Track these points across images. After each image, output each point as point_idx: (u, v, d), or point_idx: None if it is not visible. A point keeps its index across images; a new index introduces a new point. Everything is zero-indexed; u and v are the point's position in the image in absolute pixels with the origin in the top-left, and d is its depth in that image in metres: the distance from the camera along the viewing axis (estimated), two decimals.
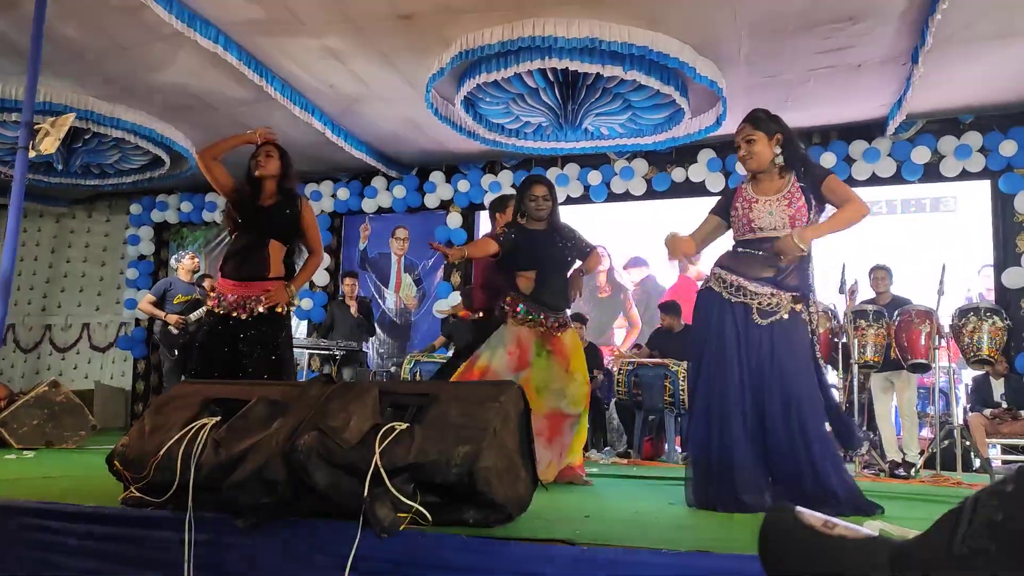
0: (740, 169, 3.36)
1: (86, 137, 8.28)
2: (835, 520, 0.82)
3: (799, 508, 0.82)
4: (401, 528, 2.11)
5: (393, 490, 2.13)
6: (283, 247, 4.06)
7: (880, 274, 6.49)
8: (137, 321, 10.94)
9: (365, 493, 2.13)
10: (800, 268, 3.14)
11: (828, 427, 3.13)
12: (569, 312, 4.35)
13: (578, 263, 4.38)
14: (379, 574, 2.08)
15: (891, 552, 0.68)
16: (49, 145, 4.78)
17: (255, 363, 3.80)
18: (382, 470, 2.14)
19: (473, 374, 3.98)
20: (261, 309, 3.84)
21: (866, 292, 6.50)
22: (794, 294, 3.11)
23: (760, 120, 3.23)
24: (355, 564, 2.08)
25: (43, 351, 11.58)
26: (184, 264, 7.57)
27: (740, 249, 3.21)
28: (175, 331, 7.14)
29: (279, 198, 4.07)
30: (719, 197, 3.48)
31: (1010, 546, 0.68)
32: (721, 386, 3.07)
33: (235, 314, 3.84)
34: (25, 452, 5.41)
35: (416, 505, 2.14)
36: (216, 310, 3.90)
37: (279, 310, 3.93)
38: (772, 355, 3.03)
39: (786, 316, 3.08)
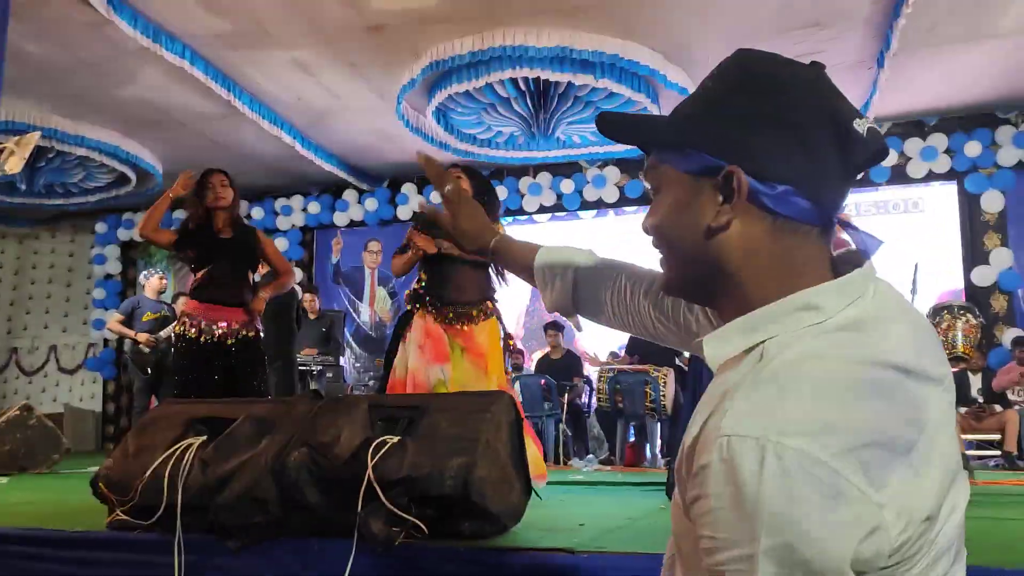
0: None
1: (50, 156, 8.13)
2: None
3: None
4: (396, 543, 2.08)
5: (388, 504, 2.10)
6: (251, 276, 4.24)
7: None
8: (105, 342, 10.73)
9: (359, 508, 2.10)
10: None
11: None
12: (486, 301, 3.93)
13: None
14: None
15: None
16: (14, 165, 4.67)
17: (248, 385, 3.80)
18: (375, 484, 2.11)
19: (396, 380, 3.73)
20: (248, 334, 3.88)
21: None
22: None
23: None
24: None
25: (9, 375, 11.32)
26: (151, 283, 7.45)
27: None
28: (146, 350, 7.02)
29: (235, 230, 4.15)
30: None
31: None
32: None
33: (219, 338, 3.84)
34: None
35: (411, 519, 2.11)
36: (191, 334, 3.87)
37: (261, 333, 4.00)
38: None
39: None
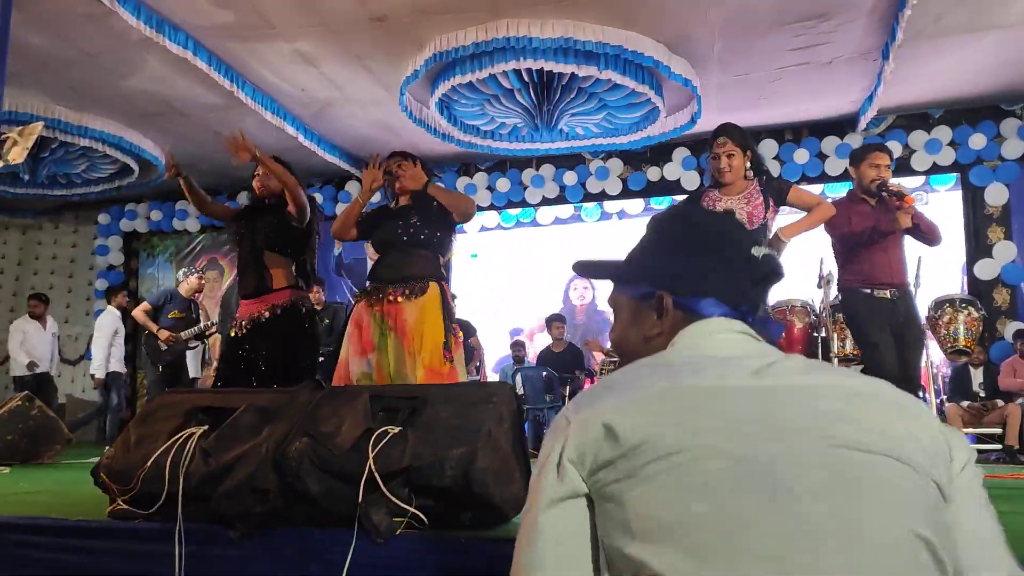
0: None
1: (53, 147, 8.14)
2: None
3: None
4: (397, 533, 2.08)
5: (388, 495, 2.10)
6: (283, 258, 3.93)
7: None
8: None
9: (359, 499, 2.10)
10: None
11: None
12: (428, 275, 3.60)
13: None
14: None
15: None
16: (17, 155, 4.68)
17: (270, 376, 3.73)
18: (376, 475, 2.11)
19: (338, 371, 3.59)
20: (266, 315, 3.79)
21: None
22: None
23: (739, 137, 3.63)
24: (351, 571, 2.04)
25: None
26: (190, 282, 7.38)
27: None
28: (164, 347, 7.02)
29: (274, 214, 3.97)
30: (689, 195, 3.88)
31: None
32: None
33: (247, 331, 3.78)
34: (0, 468, 5.29)
35: (412, 509, 2.11)
36: (234, 334, 3.84)
37: (283, 312, 3.83)
38: None
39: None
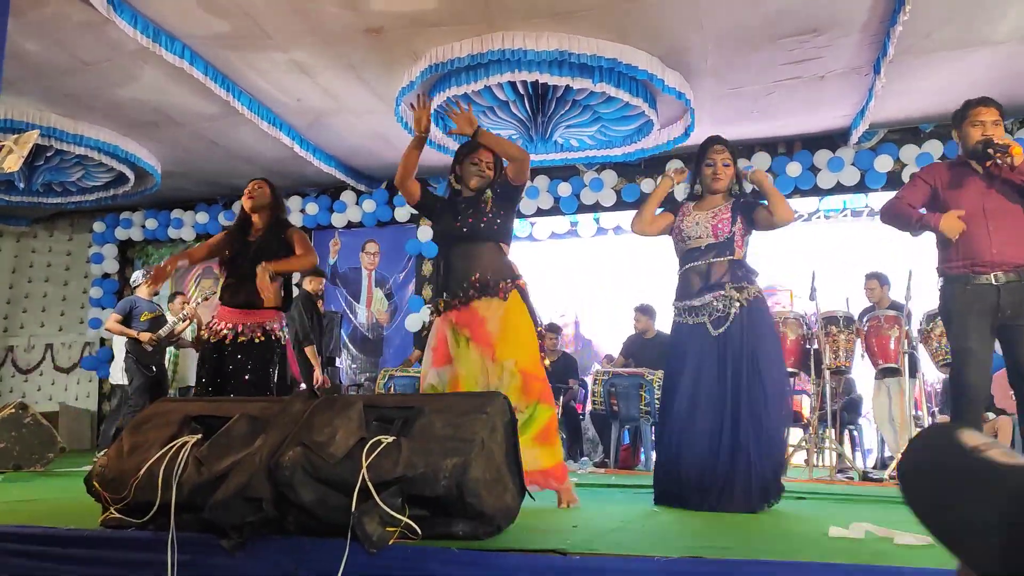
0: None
1: (48, 155, 8.13)
2: (991, 440, 0.84)
3: (961, 429, 0.84)
4: (390, 543, 2.09)
5: (381, 504, 2.11)
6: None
7: (870, 283, 6.53)
8: (102, 341, 10.72)
9: (353, 508, 2.11)
10: (731, 268, 3.49)
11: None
12: (491, 277, 3.43)
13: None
14: None
15: None
16: (12, 163, 4.68)
17: (244, 388, 3.80)
18: (369, 484, 2.12)
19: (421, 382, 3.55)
20: (256, 340, 3.88)
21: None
22: (735, 286, 3.44)
23: (735, 150, 3.68)
24: None
25: (5, 373, 11.32)
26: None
27: (681, 272, 3.64)
28: (149, 348, 7.07)
29: (268, 232, 4.07)
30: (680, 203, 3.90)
31: None
32: (689, 405, 3.41)
33: (228, 339, 3.85)
34: None
35: (405, 519, 2.12)
36: (208, 337, 3.93)
37: (274, 337, 3.95)
38: (742, 348, 3.35)
39: (744, 305, 3.40)
